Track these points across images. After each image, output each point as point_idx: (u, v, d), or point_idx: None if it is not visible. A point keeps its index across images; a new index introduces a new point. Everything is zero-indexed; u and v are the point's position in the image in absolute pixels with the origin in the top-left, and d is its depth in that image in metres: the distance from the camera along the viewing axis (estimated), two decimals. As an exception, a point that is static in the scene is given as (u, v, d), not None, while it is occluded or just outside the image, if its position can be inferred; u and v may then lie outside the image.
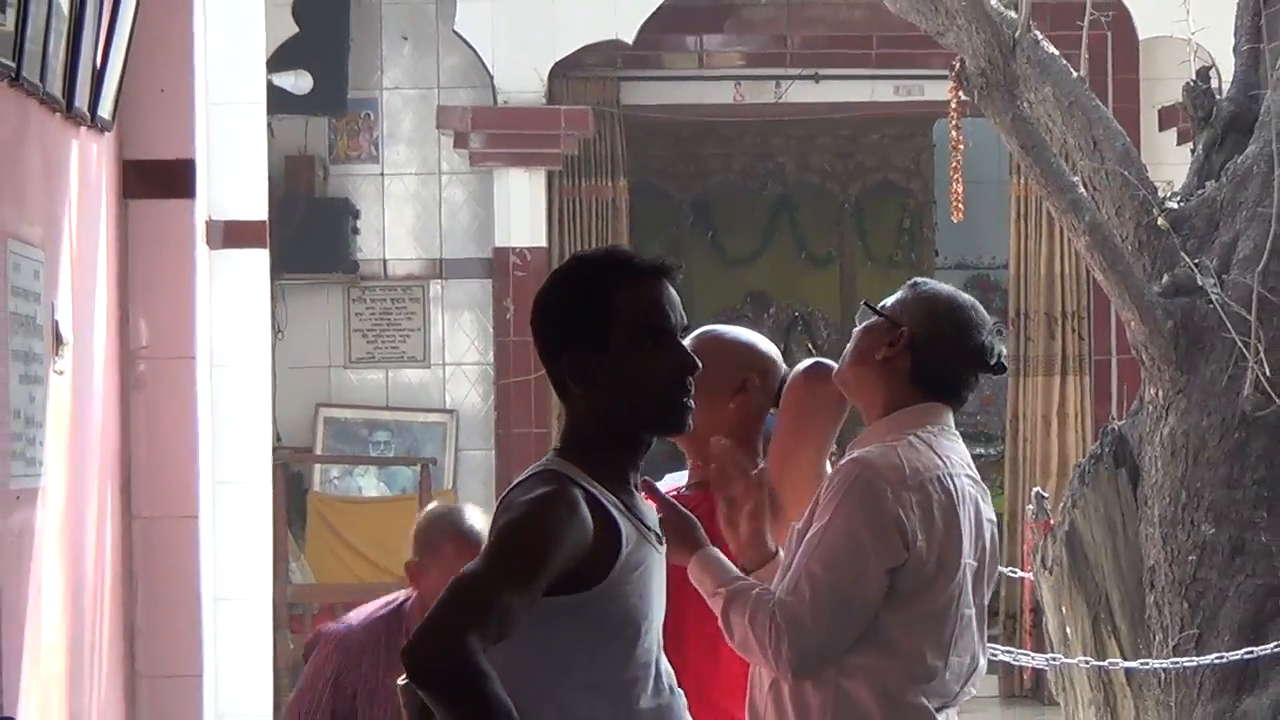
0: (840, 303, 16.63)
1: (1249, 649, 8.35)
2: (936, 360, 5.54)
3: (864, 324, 5.61)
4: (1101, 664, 8.82)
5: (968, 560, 5.44)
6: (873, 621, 5.30)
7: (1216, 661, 8.43)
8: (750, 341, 5.75)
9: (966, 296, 5.78)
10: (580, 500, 4.50)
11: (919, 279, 5.98)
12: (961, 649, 5.45)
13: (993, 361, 5.61)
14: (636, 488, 4.79)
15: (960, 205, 10.96)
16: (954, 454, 5.57)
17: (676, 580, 5.33)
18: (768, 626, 5.21)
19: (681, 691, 4.79)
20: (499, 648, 4.34)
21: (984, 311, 5.71)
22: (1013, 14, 9.18)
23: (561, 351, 4.66)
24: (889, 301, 5.64)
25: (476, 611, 4.26)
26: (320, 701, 6.84)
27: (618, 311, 4.65)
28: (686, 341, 5.07)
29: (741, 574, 5.34)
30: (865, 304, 5.69)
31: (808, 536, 5.30)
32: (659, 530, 4.82)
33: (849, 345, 5.59)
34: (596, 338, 4.64)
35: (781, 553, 5.42)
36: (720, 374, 5.51)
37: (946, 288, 5.83)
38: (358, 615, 6.66)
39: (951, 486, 5.46)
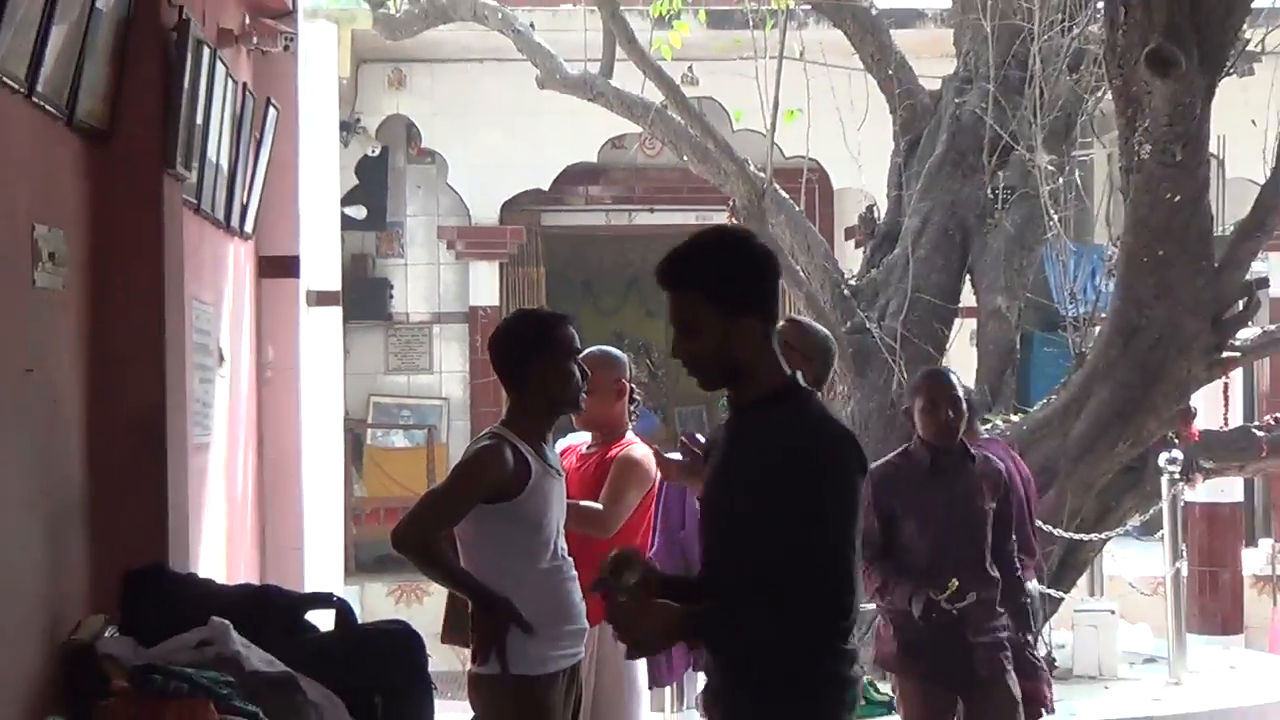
0: (665, 339, 16.46)
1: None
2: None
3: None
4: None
5: None
6: None
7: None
8: (622, 357, 5.66)
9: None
10: (506, 450, 4.54)
11: (791, 317, 5.84)
12: None
13: None
14: (546, 441, 4.78)
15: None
16: None
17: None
18: None
19: (570, 559, 4.78)
20: (472, 534, 4.48)
21: None
22: (762, 174, 9.24)
23: (512, 362, 4.69)
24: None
25: (434, 512, 4.45)
26: None
27: (544, 342, 4.70)
28: (586, 351, 5.10)
29: None
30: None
31: None
32: (558, 467, 4.82)
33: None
34: (536, 355, 4.65)
35: None
36: (611, 378, 5.48)
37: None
38: None
39: None
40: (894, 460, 5.67)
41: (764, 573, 3.30)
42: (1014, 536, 5.74)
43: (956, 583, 5.25)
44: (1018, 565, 5.72)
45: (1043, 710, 5.83)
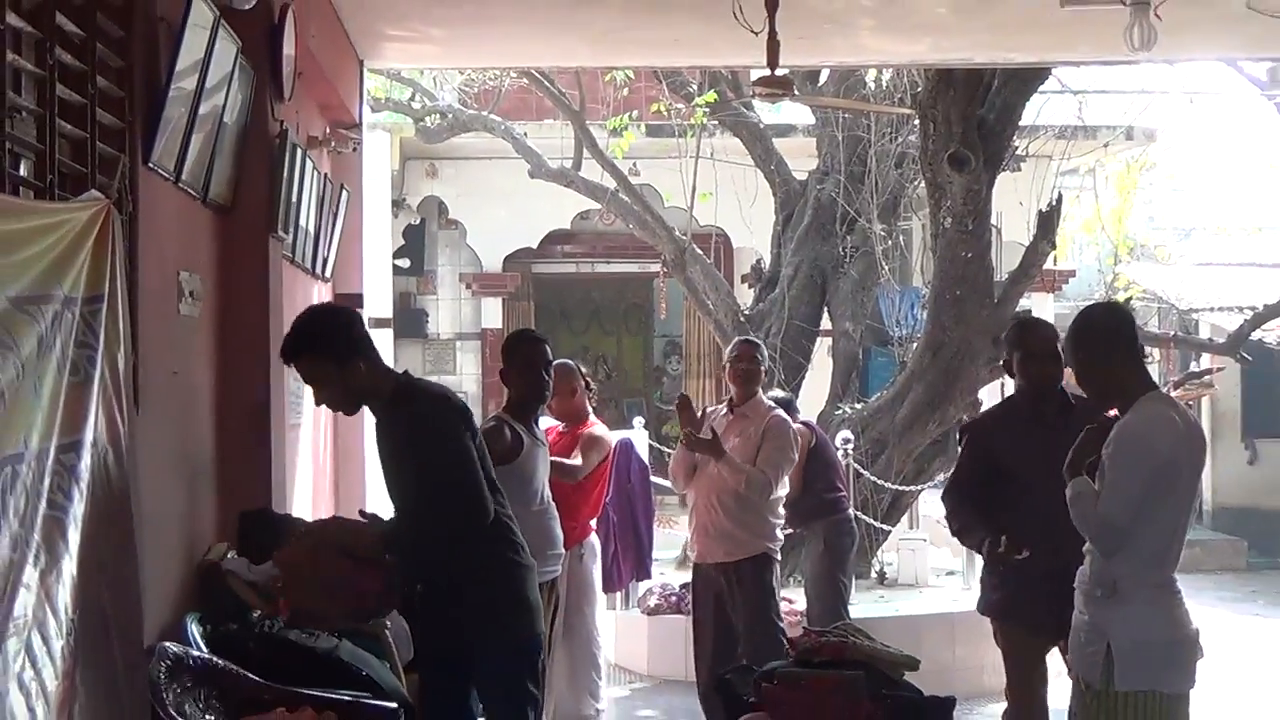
0: (617, 352, 16.34)
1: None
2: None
3: (753, 363, 5.45)
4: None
5: None
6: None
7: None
8: (574, 366, 5.65)
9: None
10: (505, 429, 4.60)
11: (745, 338, 5.83)
12: None
13: None
14: (536, 423, 4.77)
15: (665, 310, 11.00)
16: None
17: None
18: (763, 482, 5.20)
19: (553, 505, 4.80)
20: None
21: None
22: (684, 237, 9.28)
23: (506, 367, 4.73)
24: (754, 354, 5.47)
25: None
26: None
27: (522, 353, 4.72)
28: (556, 363, 5.11)
29: (744, 464, 5.26)
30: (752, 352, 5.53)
31: (764, 448, 5.24)
32: (543, 439, 4.82)
33: (745, 369, 5.41)
34: (517, 362, 4.70)
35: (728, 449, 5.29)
36: (567, 385, 5.47)
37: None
38: None
39: None
40: (995, 410, 4.38)
41: (414, 506, 3.46)
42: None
43: (1005, 539, 3.93)
44: None
45: None
